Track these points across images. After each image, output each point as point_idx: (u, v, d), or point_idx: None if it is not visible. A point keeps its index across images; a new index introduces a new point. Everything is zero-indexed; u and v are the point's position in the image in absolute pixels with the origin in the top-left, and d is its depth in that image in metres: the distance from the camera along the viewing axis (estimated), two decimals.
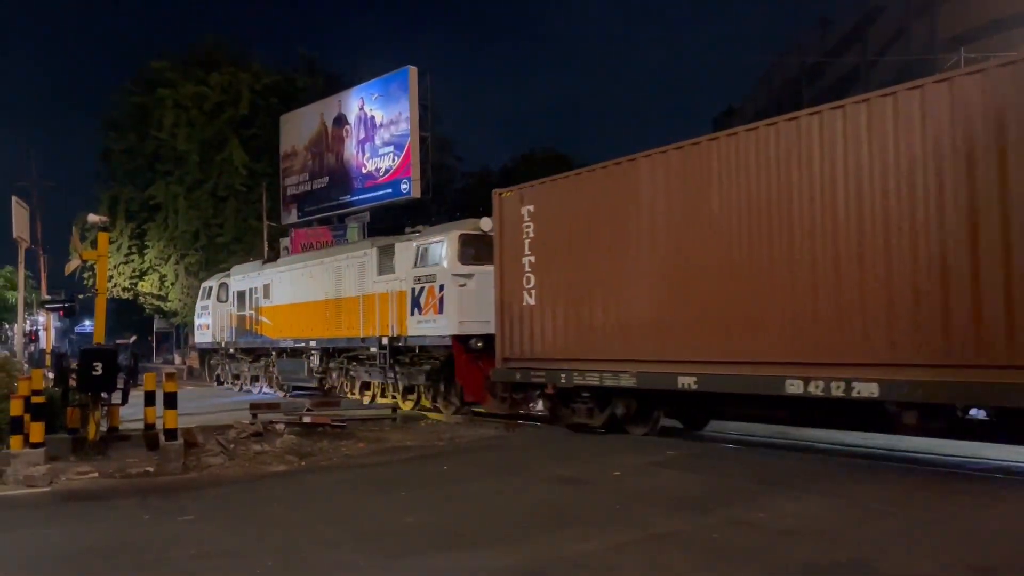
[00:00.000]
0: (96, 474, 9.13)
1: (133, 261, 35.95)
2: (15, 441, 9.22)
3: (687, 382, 9.86)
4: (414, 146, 27.58)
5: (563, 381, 11.56)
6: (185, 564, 5.70)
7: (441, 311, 14.36)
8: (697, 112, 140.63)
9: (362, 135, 29.94)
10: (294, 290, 19.55)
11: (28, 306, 24.27)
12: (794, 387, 8.76)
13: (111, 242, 12.33)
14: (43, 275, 28.85)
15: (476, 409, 14.70)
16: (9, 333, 36.49)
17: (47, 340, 27.84)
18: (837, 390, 8.39)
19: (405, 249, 15.51)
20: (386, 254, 16.15)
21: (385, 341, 15.74)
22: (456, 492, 8.09)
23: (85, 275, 30.07)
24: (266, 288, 20.91)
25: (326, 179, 31.74)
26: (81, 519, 7.30)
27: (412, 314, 15.05)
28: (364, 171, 29.77)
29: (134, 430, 11.12)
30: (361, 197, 29.86)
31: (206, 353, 25.70)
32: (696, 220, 10.07)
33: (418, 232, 15.94)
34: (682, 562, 5.47)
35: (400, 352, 15.63)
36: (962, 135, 7.79)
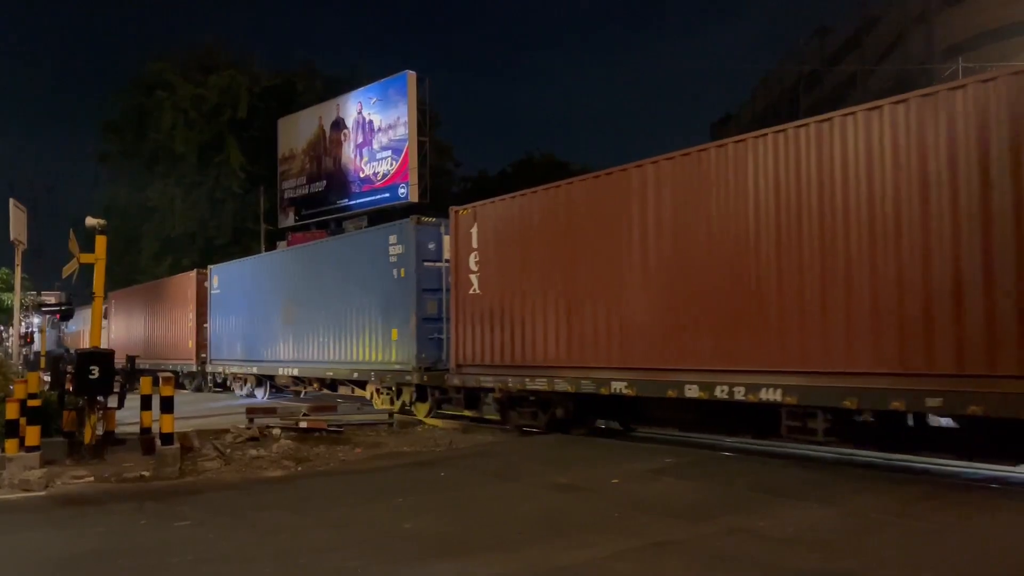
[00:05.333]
0: (92, 478, 9.09)
1: (127, 263, 35.92)
2: (10, 444, 9.19)
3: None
4: (412, 150, 27.61)
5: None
6: (183, 570, 5.67)
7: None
8: (694, 119, 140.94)
9: (360, 139, 29.96)
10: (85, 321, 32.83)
11: (24, 308, 24.24)
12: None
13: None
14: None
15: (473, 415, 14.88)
16: (4, 335, 36.39)
17: (42, 342, 27.73)
18: None
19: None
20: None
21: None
22: (454, 499, 8.06)
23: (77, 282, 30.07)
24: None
25: (324, 183, 31.75)
26: (77, 524, 7.25)
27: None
28: (362, 175, 29.79)
29: (130, 434, 11.09)
30: (359, 201, 29.88)
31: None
32: None
33: None
34: (682, 570, 5.46)
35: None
36: None
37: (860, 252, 8.42)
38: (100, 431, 10.56)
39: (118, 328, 30.39)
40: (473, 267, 13.34)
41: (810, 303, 8.80)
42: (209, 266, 23.98)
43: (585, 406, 11.96)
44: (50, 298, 39.07)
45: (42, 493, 8.49)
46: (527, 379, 12.26)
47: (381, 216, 26.38)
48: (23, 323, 27.76)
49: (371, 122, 29.46)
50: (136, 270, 35.62)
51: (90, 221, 11.31)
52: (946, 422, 8.50)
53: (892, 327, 8.13)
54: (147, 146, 35.91)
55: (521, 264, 12.56)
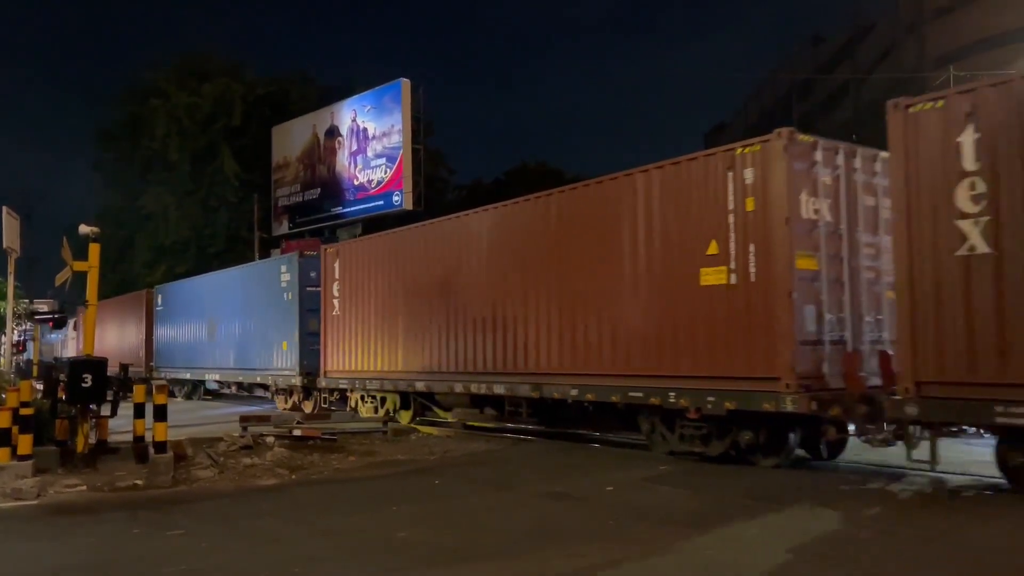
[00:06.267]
0: (84, 487, 9.04)
1: (121, 271, 35.83)
2: (2, 453, 9.13)
3: None
4: (406, 158, 27.61)
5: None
6: None
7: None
8: (688, 127, 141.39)
9: (354, 147, 29.97)
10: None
11: (16, 316, 24.19)
12: None
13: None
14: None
15: (468, 423, 15.02)
16: None
17: (35, 351, 27.70)
18: None
19: None
20: None
21: None
22: (448, 507, 8.04)
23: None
24: None
25: (318, 190, 31.73)
26: (69, 533, 7.21)
27: None
28: (356, 183, 29.79)
29: (123, 442, 11.03)
30: (353, 209, 29.86)
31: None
32: None
33: None
34: None
35: None
36: None
37: (538, 294, 12.45)
38: (93, 440, 10.50)
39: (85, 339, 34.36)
40: (335, 293, 17.10)
41: (510, 328, 12.89)
42: (155, 287, 28.22)
43: (405, 400, 15.78)
44: (43, 306, 38.97)
45: (34, 502, 8.44)
46: (367, 382, 16.21)
47: (375, 224, 26.36)
48: (15, 331, 27.71)
49: (365, 130, 29.48)
50: (130, 278, 35.51)
51: (83, 229, 11.27)
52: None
53: (557, 342, 12.01)
54: (141, 154, 35.84)
55: (364, 292, 16.29)
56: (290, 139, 33.07)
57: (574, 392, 11.66)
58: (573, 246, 11.86)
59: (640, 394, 10.64)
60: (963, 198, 7.77)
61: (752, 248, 9.45)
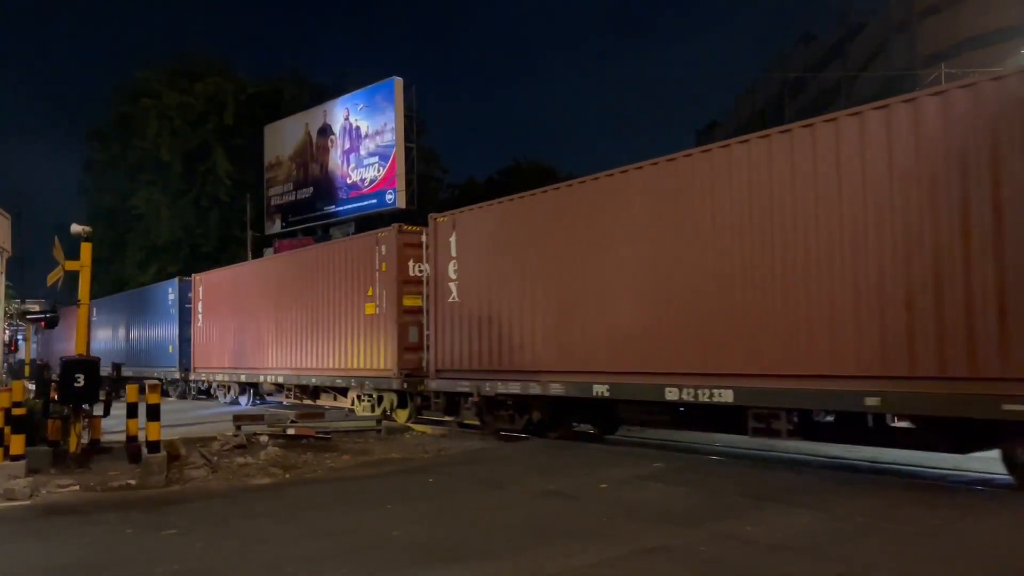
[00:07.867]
0: (77, 487, 9.02)
1: (112, 271, 35.70)
2: None
3: None
4: (399, 157, 27.59)
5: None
6: None
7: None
8: (681, 125, 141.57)
9: (347, 145, 29.93)
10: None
11: (8, 316, 24.12)
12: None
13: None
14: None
15: (463, 422, 14.97)
16: None
17: (27, 351, 27.58)
18: None
19: None
20: None
21: None
22: (442, 506, 8.04)
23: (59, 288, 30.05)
24: None
25: (310, 189, 31.67)
26: (62, 533, 7.19)
27: None
28: (349, 181, 29.75)
29: (116, 442, 11.02)
30: (346, 207, 29.82)
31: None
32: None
33: None
34: None
35: None
36: None
37: (302, 319, 18.80)
38: (85, 439, 10.49)
39: (45, 343, 40.13)
40: (200, 310, 23.25)
41: (289, 340, 19.06)
42: (91, 300, 31.56)
43: (243, 388, 21.82)
44: (34, 306, 38.81)
45: (27, 502, 8.41)
46: (217, 375, 22.44)
47: (368, 222, 26.32)
48: (6, 331, 27.63)
49: (358, 128, 29.43)
50: (122, 278, 35.38)
51: (75, 228, 11.25)
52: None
53: (308, 350, 18.31)
54: (133, 154, 35.70)
55: (217, 309, 22.20)
56: (282, 138, 32.99)
57: (314, 380, 18.08)
58: (312, 288, 17.91)
59: (340, 382, 17.06)
60: (451, 271, 13.59)
61: (384, 293, 15.41)
